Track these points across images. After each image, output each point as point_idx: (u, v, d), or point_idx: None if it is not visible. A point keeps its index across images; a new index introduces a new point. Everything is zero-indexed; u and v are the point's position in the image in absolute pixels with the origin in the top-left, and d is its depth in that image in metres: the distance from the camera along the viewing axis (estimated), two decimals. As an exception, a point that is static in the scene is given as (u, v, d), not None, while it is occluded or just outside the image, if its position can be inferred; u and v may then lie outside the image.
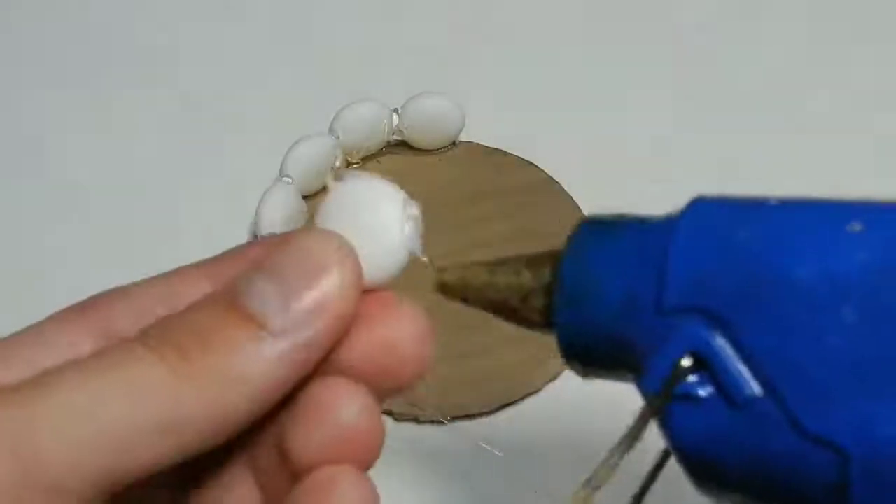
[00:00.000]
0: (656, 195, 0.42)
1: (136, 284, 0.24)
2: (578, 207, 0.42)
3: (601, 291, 0.24)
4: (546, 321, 0.26)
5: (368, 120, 0.42)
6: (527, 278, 0.26)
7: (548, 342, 0.38)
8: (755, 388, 0.22)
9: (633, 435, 0.24)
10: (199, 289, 0.23)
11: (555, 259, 0.26)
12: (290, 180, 0.41)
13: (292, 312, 0.21)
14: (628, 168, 0.43)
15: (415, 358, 0.22)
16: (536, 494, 0.36)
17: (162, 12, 0.50)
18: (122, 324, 0.23)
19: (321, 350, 0.22)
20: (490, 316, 0.39)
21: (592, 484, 0.23)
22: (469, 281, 0.27)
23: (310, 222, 0.42)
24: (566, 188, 0.43)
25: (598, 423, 0.38)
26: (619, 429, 0.37)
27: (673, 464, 0.23)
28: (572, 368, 0.26)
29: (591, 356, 0.25)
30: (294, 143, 0.41)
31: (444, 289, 0.27)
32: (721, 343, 0.22)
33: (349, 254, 0.22)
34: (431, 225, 0.41)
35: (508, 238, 0.41)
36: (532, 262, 0.26)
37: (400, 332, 0.23)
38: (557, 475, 0.36)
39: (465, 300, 0.27)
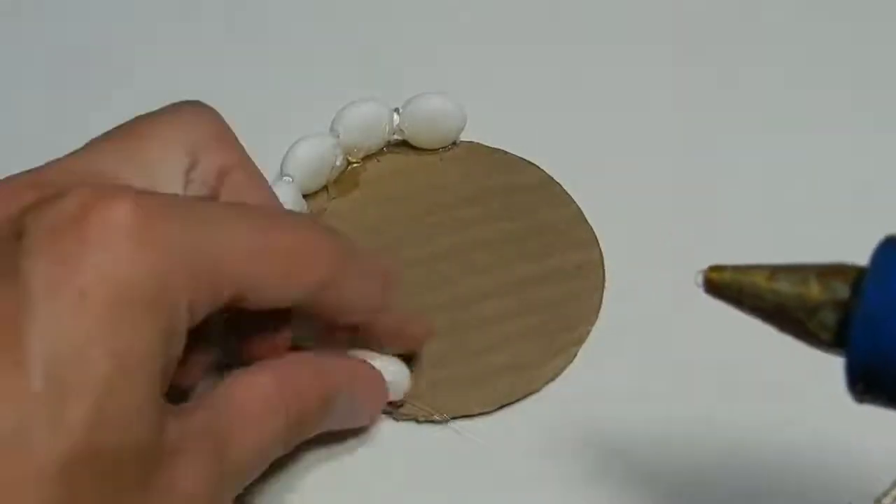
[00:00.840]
0: (657, 196, 0.42)
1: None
2: (578, 207, 0.42)
3: None
4: (834, 339, 0.25)
5: (369, 119, 0.42)
6: (816, 290, 0.25)
7: (546, 343, 0.38)
8: None
9: None
10: None
11: (850, 274, 0.25)
12: (291, 179, 0.41)
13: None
14: (629, 168, 0.43)
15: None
16: (537, 495, 0.36)
17: (161, 11, 0.50)
18: None
19: None
20: (489, 316, 0.39)
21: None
22: (745, 283, 0.26)
23: (310, 222, 0.42)
24: (566, 188, 0.42)
25: (598, 424, 0.38)
26: (618, 430, 0.37)
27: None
28: (853, 391, 0.25)
29: (881, 383, 0.24)
30: (294, 143, 0.41)
31: (716, 288, 0.26)
32: None
33: None
34: (432, 225, 0.42)
35: (509, 238, 0.41)
36: (823, 273, 0.25)
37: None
38: (557, 475, 0.36)
39: (737, 302, 0.26)
